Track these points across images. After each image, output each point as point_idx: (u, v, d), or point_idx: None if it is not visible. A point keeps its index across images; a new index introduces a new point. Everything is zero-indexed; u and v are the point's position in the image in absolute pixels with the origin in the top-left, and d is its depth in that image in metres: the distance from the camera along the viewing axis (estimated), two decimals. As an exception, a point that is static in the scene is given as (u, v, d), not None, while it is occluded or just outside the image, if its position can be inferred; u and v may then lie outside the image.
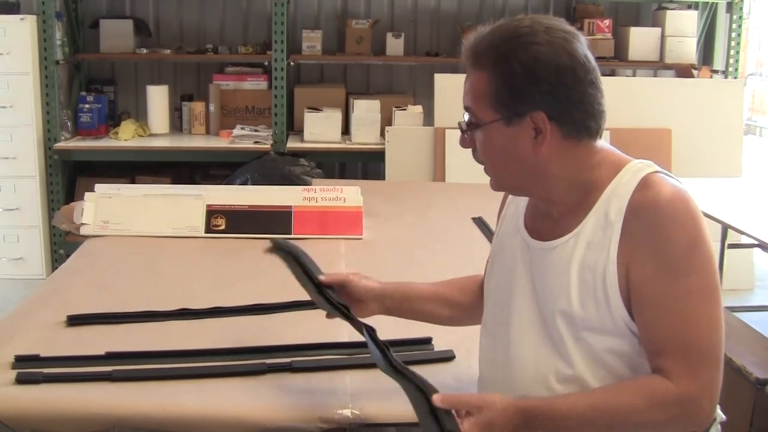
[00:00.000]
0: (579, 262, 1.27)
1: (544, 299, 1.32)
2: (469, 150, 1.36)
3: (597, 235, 1.26)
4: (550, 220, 1.35)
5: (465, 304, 1.60)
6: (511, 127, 1.27)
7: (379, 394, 1.57)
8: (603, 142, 1.32)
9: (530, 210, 1.41)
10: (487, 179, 1.44)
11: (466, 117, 1.32)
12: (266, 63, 4.94)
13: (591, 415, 1.20)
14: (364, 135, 4.65)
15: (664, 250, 1.20)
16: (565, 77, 1.24)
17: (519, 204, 1.44)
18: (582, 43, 1.27)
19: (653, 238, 1.20)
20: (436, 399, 1.20)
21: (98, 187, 2.90)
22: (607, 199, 1.27)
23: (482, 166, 1.36)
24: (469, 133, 1.32)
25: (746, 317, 3.44)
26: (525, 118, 1.26)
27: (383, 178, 4.55)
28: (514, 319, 1.36)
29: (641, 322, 1.23)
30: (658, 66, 5.06)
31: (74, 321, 1.97)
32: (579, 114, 1.26)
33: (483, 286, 1.53)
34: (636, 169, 1.27)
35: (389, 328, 1.94)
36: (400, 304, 1.57)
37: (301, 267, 1.51)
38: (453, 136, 4.35)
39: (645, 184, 1.24)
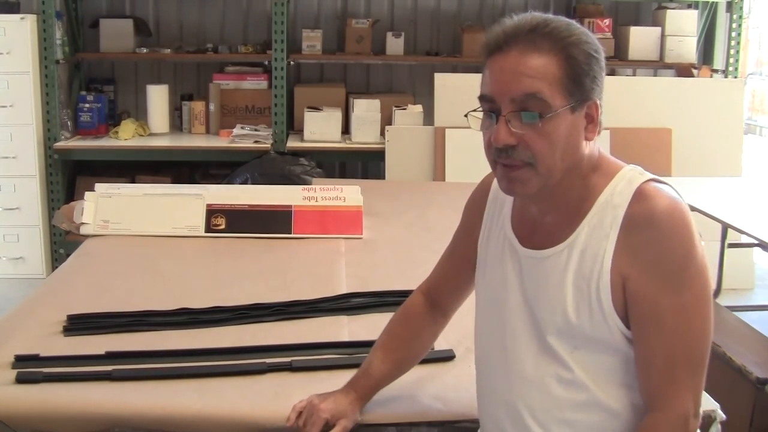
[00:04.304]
0: (574, 272, 1.25)
1: (538, 310, 1.30)
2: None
3: (591, 244, 1.24)
4: (540, 227, 1.31)
5: (419, 334, 1.59)
6: (573, 115, 1.22)
7: (379, 394, 1.57)
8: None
9: (517, 214, 1.37)
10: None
11: (502, 107, 1.21)
12: (266, 62, 4.93)
13: None
14: (364, 134, 4.64)
15: (663, 264, 1.19)
16: (604, 68, 1.24)
17: (499, 205, 1.41)
18: None
19: (652, 253, 1.20)
20: None
21: (98, 186, 2.90)
22: (601, 208, 1.25)
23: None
24: (519, 123, 1.20)
25: (746, 317, 3.43)
26: (584, 106, 1.22)
27: (383, 178, 4.54)
28: (507, 329, 1.34)
29: (638, 335, 1.23)
30: (658, 65, 5.05)
31: (74, 322, 1.98)
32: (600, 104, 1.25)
33: (420, 307, 1.58)
34: (629, 177, 1.25)
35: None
36: (377, 386, 1.54)
37: None
38: (453, 136, 4.35)
39: (641, 196, 1.22)
